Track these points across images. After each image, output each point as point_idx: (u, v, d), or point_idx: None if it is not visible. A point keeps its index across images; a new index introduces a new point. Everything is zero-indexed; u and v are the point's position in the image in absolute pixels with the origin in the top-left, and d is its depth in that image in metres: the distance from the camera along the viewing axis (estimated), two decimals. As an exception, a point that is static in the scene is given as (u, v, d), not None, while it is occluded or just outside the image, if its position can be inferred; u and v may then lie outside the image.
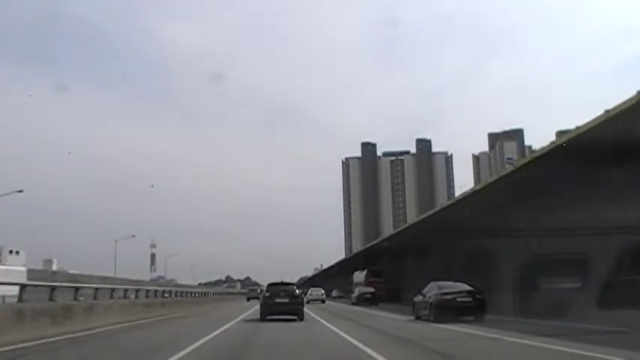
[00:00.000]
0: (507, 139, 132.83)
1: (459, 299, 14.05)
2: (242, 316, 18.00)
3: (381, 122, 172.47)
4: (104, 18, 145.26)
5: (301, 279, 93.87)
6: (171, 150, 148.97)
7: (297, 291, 16.15)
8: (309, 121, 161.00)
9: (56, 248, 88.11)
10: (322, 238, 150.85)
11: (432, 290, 15.17)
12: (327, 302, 35.71)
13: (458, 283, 15.16)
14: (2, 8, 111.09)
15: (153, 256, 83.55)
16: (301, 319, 15.26)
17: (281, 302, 15.41)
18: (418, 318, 15.66)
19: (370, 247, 41.70)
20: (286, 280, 17.93)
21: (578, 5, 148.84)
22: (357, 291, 32.24)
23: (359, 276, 40.91)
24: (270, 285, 16.65)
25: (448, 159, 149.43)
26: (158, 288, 24.61)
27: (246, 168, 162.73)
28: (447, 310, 13.79)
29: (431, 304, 14.53)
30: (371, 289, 31.13)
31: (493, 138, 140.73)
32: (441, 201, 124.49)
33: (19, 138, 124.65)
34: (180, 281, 57.83)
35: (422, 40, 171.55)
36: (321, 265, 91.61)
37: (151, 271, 79.68)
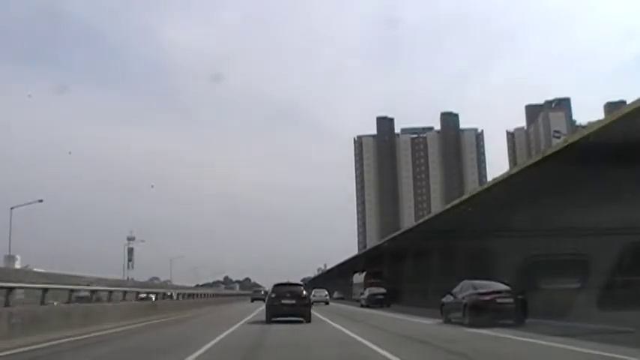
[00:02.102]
0: (553, 110, 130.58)
1: (498, 300, 14.15)
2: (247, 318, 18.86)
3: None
4: (104, 18, 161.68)
5: (303, 280, 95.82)
6: (171, 150, 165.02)
7: (304, 292, 17.36)
8: (310, 121, 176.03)
9: (56, 248, 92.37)
10: (325, 238, 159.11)
11: (466, 290, 15.35)
12: (330, 304, 38.34)
13: (493, 282, 15.38)
14: (2, 8, 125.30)
15: (130, 251, 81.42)
16: (308, 320, 16.37)
17: (287, 303, 16.59)
18: (448, 321, 15.82)
19: (371, 249, 47.18)
20: (288, 281, 18.89)
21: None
22: (366, 292, 33.59)
23: (358, 278, 46.72)
24: (277, 285, 17.64)
25: (479, 136, 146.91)
26: (141, 289, 24.22)
27: (245, 168, 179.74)
28: (484, 313, 13.91)
29: (465, 305, 14.66)
30: (382, 290, 32.51)
31: (532, 111, 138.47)
32: (472, 186, 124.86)
33: (19, 138, 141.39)
34: (176, 283, 61.25)
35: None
36: (325, 266, 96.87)
37: (127, 268, 78.46)
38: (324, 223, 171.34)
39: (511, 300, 14.24)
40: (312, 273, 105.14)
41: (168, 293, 24.58)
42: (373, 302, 31.76)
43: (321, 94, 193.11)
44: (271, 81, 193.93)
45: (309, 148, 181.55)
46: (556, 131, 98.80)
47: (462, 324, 14.47)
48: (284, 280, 18.50)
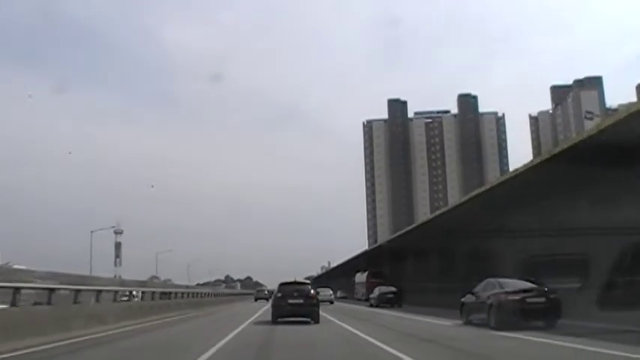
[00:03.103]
0: (584, 88, 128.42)
1: (528, 300, 13.91)
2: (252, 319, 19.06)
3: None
4: (104, 18, 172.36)
5: (306, 279, 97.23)
6: (171, 150, 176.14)
7: (311, 291, 17.77)
8: (310, 120, 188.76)
9: (56, 249, 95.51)
10: (329, 236, 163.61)
11: (491, 289, 15.13)
12: (335, 303, 39.85)
13: (520, 281, 15.13)
14: (2, 8, 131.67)
15: (118, 245, 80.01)
16: (316, 321, 16.77)
17: (294, 303, 17.00)
18: (468, 323, 15.75)
19: (374, 248, 51.11)
20: (295, 279, 19.12)
21: None
22: (376, 291, 34.49)
23: (360, 277, 50.82)
24: (283, 284, 18.04)
25: (499, 121, 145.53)
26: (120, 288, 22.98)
27: (246, 167, 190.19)
28: (512, 314, 13.69)
29: (490, 305, 14.45)
30: (392, 289, 33.40)
31: (559, 92, 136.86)
32: (493, 175, 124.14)
33: (19, 138, 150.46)
34: (176, 281, 61.45)
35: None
36: (329, 263, 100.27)
37: (115, 264, 77.25)
38: (327, 221, 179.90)
39: (542, 299, 13.97)
40: (314, 272, 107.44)
41: (127, 292, 22.81)
42: (383, 301, 32.49)
43: (323, 93, 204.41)
44: (272, 80, 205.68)
45: (310, 147, 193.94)
46: (588, 112, 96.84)
47: (486, 326, 14.28)
48: (289, 279, 18.69)
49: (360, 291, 49.31)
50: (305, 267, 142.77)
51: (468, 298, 16.30)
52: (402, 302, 32.16)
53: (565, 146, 15.21)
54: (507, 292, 14.24)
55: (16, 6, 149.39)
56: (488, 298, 14.79)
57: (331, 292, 43.54)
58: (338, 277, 69.20)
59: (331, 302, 39.49)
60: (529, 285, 14.71)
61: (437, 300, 27.08)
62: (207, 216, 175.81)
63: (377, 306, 32.25)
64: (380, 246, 45.99)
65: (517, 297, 13.95)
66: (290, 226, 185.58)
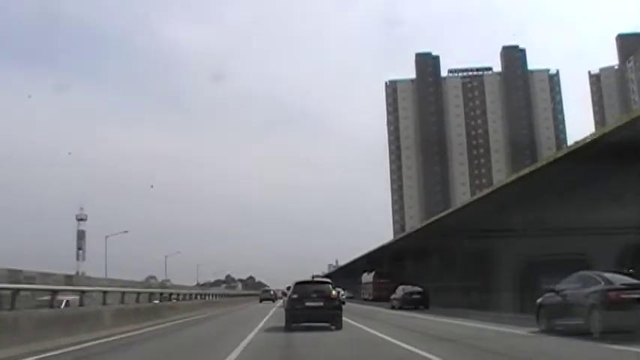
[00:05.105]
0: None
1: None
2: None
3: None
4: (104, 18, 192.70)
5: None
6: (172, 149, 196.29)
7: (333, 291, 18.10)
8: (313, 119, 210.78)
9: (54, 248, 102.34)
10: (333, 234, 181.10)
11: (589, 284, 14.22)
12: (346, 304, 40.80)
13: (617, 275, 14.52)
14: (2, 7, 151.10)
15: (81, 235, 76.05)
16: (339, 327, 17.19)
17: (313, 306, 17.31)
18: (550, 329, 15.08)
19: (374, 250, 56.41)
20: (301, 278, 20.16)
21: None
22: (400, 291, 36.15)
23: (367, 277, 57.80)
24: (299, 284, 18.56)
25: (552, 79, 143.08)
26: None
27: (248, 167, 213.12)
28: (627, 318, 12.68)
29: (592, 306, 13.59)
30: (419, 288, 35.22)
31: (628, 43, 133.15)
32: (547, 144, 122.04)
33: (19, 138, 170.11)
34: (176, 282, 65.98)
35: None
36: (337, 262, 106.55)
37: (77, 258, 73.18)
38: (335, 220, 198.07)
39: None
40: (319, 271, 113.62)
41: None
42: (408, 303, 33.79)
43: (328, 91, 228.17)
44: (274, 79, 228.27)
45: (314, 146, 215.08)
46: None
47: (584, 334, 13.41)
48: (306, 277, 20.11)
49: (367, 291, 55.90)
50: (310, 266, 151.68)
51: (551, 299, 15.54)
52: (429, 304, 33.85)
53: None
54: (618, 289, 13.33)
55: (17, 5, 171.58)
56: (587, 296, 13.90)
57: (343, 291, 45.78)
58: (345, 277, 74.31)
59: (342, 303, 41.44)
60: (632, 280, 13.92)
61: (461, 300, 30.27)
62: (209, 215, 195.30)
63: (400, 308, 33.49)
64: (388, 245, 50.28)
65: (636, 295, 12.98)
66: (292, 226, 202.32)
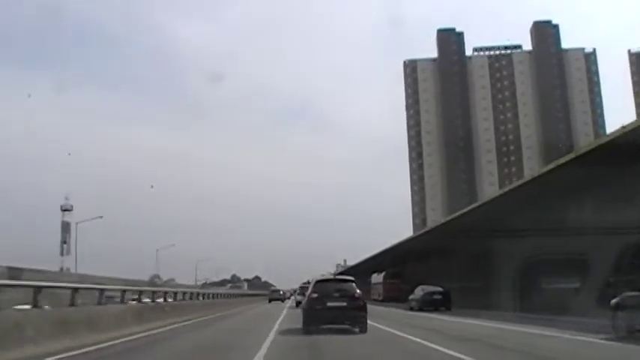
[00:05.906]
0: None
1: None
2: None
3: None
4: (104, 17, 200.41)
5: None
6: (172, 147, 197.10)
7: (357, 290, 18.08)
8: (317, 118, 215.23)
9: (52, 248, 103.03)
10: (340, 233, 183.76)
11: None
12: None
13: None
14: (2, 7, 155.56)
15: (65, 227, 72.69)
16: (363, 330, 17.05)
17: (335, 306, 17.20)
18: (631, 337, 14.04)
19: (376, 254, 62.09)
20: (333, 275, 18.83)
21: None
22: (419, 290, 36.49)
23: (377, 277, 61.86)
24: (320, 282, 18.78)
25: (588, 58, 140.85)
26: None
27: (249, 167, 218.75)
28: None
29: None
30: (440, 289, 35.68)
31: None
32: (584, 130, 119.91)
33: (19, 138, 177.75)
34: (180, 281, 69.50)
35: None
36: (345, 262, 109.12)
37: (62, 253, 70.89)
38: (339, 219, 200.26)
39: None
40: (325, 271, 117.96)
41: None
42: (427, 304, 34.23)
43: (333, 90, 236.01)
44: (277, 78, 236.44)
45: (317, 145, 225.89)
46: None
47: None
48: (326, 275, 19.88)
49: (377, 292, 59.26)
50: (316, 266, 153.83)
51: (630, 300, 14.61)
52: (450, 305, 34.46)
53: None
54: None
55: (19, 4, 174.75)
56: None
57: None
58: (355, 277, 78.72)
59: None
60: None
61: (480, 301, 31.48)
62: (212, 214, 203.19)
63: (420, 309, 33.73)
64: (401, 244, 52.14)
65: None
66: (300, 225, 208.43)
